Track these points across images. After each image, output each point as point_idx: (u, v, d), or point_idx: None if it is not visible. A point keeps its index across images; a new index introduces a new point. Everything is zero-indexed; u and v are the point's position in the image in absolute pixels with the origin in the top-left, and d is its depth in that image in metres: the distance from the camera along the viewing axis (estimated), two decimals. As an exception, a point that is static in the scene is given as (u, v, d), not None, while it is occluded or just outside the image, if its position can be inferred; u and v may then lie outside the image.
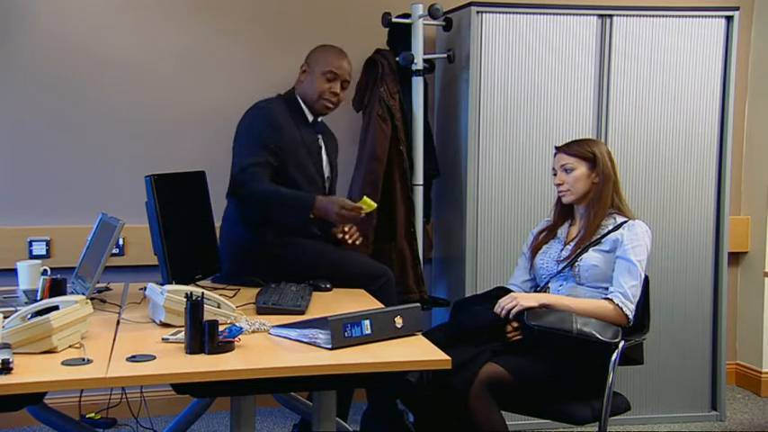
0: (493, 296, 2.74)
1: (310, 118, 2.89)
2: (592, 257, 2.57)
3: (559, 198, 2.70)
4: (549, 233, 2.73)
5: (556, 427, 2.86)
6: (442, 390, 2.39)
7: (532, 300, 2.49)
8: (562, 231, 2.71)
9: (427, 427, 2.68)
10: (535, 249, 2.73)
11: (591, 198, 2.62)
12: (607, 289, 2.55)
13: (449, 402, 2.41)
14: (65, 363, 1.79)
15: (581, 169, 2.61)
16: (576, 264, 2.58)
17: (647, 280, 2.67)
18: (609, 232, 2.58)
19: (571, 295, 2.57)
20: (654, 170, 3.44)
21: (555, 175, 2.67)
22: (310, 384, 2.08)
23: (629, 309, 2.50)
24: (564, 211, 2.73)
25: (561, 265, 2.62)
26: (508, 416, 2.45)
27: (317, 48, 2.99)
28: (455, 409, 2.39)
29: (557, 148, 2.69)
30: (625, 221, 2.60)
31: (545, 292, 2.63)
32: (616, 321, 2.48)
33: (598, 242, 2.58)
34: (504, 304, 2.49)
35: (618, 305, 2.49)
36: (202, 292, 2.00)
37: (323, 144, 2.98)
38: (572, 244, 2.64)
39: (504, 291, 2.73)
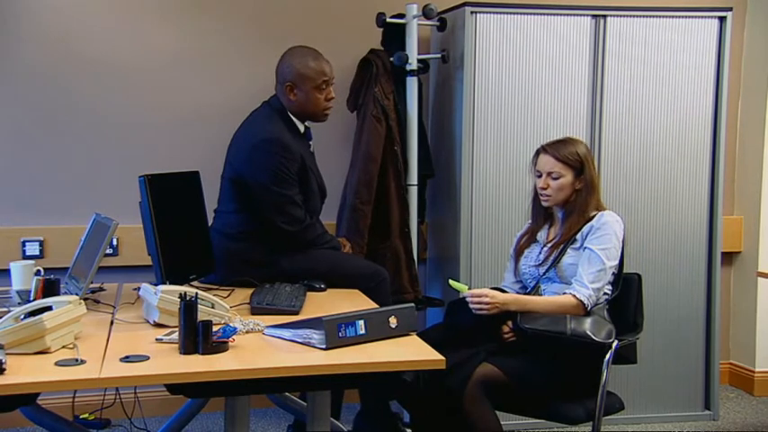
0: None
1: (302, 129, 2.87)
2: (569, 257, 2.58)
3: (536, 199, 2.69)
4: (530, 237, 2.73)
5: (550, 426, 2.86)
6: (438, 390, 2.39)
7: (499, 307, 2.48)
8: (541, 235, 2.70)
9: (423, 427, 2.68)
10: (518, 253, 2.73)
11: (571, 203, 2.61)
12: None
13: (444, 402, 2.42)
14: (58, 363, 1.78)
15: (567, 177, 2.58)
16: (558, 265, 2.58)
17: (639, 279, 2.67)
18: (581, 228, 2.58)
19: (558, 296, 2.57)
20: (647, 170, 3.44)
21: (539, 177, 2.63)
22: (305, 385, 2.08)
23: (586, 295, 2.49)
24: (543, 213, 2.71)
25: (542, 269, 2.62)
26: (503, 416, 2.45)
27: (290, 58, 2.81)
28: (450, 409, 2.40)
29: (542, 148, 2.65)
30: (594, 214, 2.59)
31: (536, 294, 2.62)
32: (579, 312, 2.49)
33: (573, 240, 2.58)
34: (476, 305, 2.48)
35: (578, 298, 2.49)
36: (196, 293, 2.00)
37: (314, 150, 2.97)
38: (549, 246, 2.63)
39: (500, 291, 2.73)
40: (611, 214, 2.59)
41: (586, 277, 2.50)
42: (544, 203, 2.65)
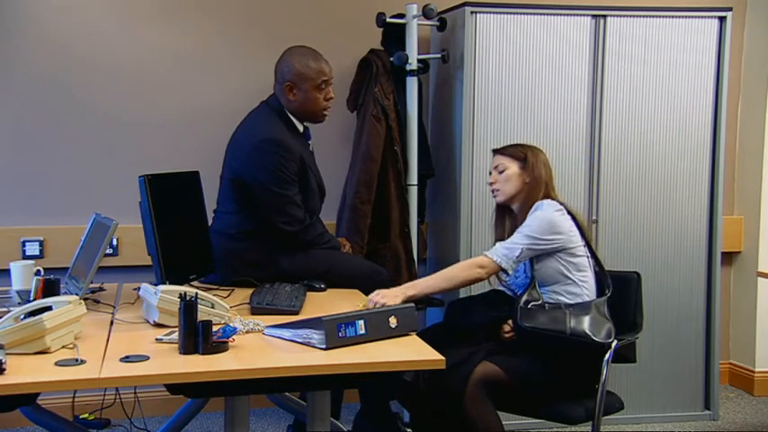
0: (488, 297, 2.75)
1: (300, 128, 2.87)
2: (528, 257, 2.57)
3: (497, 207, 2.73)
4: None
5: (550, 426, 2.86)
6: (438, 390, 2.39)
7: (398, 295, 2.45)
8: None
9: (423, 427, 2.69)
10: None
11: (522, 198, 2.63)
12: (562, 280, 2.55)
13: (444, 402, 2.42)
14: (58, 363, 1.78)
15: (512, 168, 2.63)
16: (533, 270, 2.58)
17: (638, 278, 2.68)
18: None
19: (551, 297, 2.56)
20: (647, 170, 3.44)
21: (490, 176, 2.70)
22: (304, 384, 2.08)
23: (494, 252, 2.52)
24: (508, 219, 2.72)
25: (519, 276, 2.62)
26: (503, 415, 2.45)
27: (290, 58, 2.80)
28: (450, 408, 2.40)
29: (492, 150, 2.74)
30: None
31: (533, 290, 2.61)
32: (488, 268, 2.50)
33: None
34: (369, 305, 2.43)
35: (485, 254, 2.52)
36: (196, 293, 2.00)
37: (313, 149, 2.97)
38: None
39: (500, 292, 2.73)
40: (548, 201, 2.59)
41: (502, 245, 2.53)
42: (496, 199, 2.69)
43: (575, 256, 2.55)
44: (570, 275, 2.55)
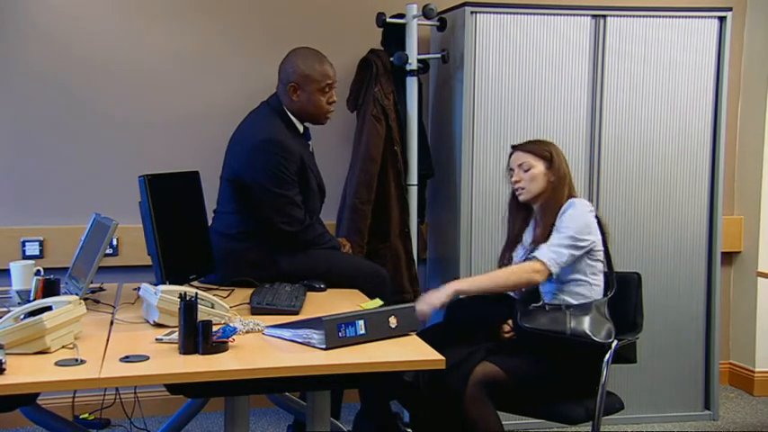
0: (488, 297, 2.74)
1: (301, 129, 2.87)
2: None
3: (511, 203, 2.72)
4: (513, 245, 2.71)
5: (550, 426, 2.86)
6: (438, 390, 2.39)
7: (443, 296, 2.48)
8: (527, 237, 2.69)
9: (423, 427, 2.69)
10: (503, 266, 2.70)
11: (546, 197, 2.62)
12: (578, 280, 2.55)
13: (444, 402, 2.42)
14: (58, 363, 1.78)
15: (538, 167, 2.61)
16: None
17: (639, 278, 2.68)
18: (555, 221, 2.58)
19: (558, 297, 2.56)
20: (647, 169, 3.45)
21: (511, 175, 2.67)
22: (304, 385, 2.09)
23: (546, 256, 2.49)
24: (522, 215, 2.71)
25: None
26: (502, 415, 2.45)
27: (295, 59, 2.81)
28: (450, 408, 2.40)
29: (513, 147, 2.71)
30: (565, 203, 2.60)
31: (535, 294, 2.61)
32: (542, 274, 2.48)
33: (551, 234, 2.57)
34: (422, 313, 2.45)
35: (539, 258, 2.49)
36: (196, 293, 2.00)
37: (313, 149, 2.97)
38: (531, 247, 2.61)
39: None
40: (580, 200, 2.60)
41: (550, 243, 2.52)
42: (520, 198, 2.66)
43: (596, 260, 2.57)
44: (586, 278, 2.56)
